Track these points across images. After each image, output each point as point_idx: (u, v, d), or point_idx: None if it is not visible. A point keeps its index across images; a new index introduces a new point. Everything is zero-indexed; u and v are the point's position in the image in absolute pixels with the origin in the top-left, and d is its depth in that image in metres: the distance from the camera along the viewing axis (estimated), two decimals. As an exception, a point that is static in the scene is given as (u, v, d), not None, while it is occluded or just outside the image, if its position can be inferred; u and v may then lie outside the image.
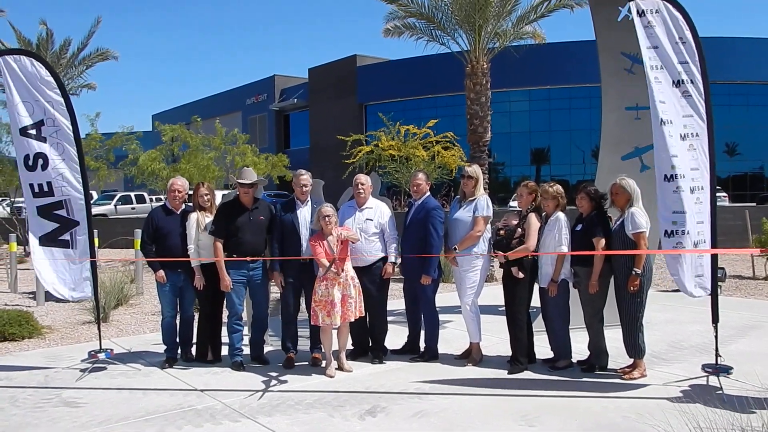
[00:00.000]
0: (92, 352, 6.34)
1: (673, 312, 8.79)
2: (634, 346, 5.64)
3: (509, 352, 6.11)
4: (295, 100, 45.71)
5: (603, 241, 5.65)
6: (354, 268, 6.08)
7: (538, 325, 6.26)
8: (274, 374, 5.97)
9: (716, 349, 5.48)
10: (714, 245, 5.39)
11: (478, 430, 4.57)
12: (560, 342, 6.04)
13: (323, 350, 6.10)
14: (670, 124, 5.20)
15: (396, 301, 7.87)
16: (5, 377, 6.10)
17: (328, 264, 5.79)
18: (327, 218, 5.85)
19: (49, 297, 10.09)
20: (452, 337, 7.08)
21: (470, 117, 13.35)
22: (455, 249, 6.12)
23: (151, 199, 30.18)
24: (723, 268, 9.65)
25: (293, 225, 6.22)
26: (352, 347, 6.50)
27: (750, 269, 12.61)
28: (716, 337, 5.49)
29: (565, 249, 5.78)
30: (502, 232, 6.06)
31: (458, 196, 6.43)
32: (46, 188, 6.26)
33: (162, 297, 6.42)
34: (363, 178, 6.42)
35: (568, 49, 32.63)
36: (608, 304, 5.81)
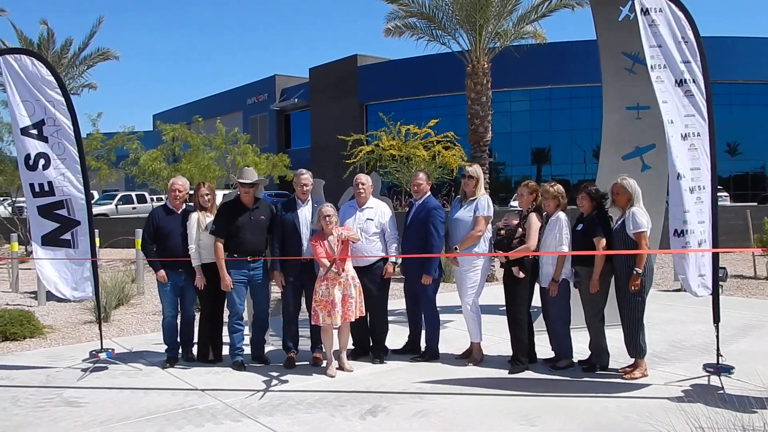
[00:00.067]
0: (93, 352, 6.34)
1: (674, 311, 8.79)
2: (635, 345, 5.64)
3: (510, 352, 6.11)
4: (296, 99, 45.72)
5: (604, 241, 5.65)
6: (354, 267, 6.08)
7: (539, 325, 6.26)
8: (275, 374, 5.98)
9: (717, 349, 5.47)
10: (715, 245, 5.39)
11: (478, 429, 4.57)
12: (561, 342, 6.04)
13: (324, 350, 6.10)
14: (672, 125, 5.21)
15: (396, 301, 7.87)
16: (7, 377, 6.11)
17: (328, 264, 5.79)
18: (327, 218, 5.85)
19: (50, 297, 10.12)
20: (453, 337, 7.08)
21: (471, 117, 13.35)
22: (456, 249, 6.12)
23: (152, 199, 30.19)
24: (724, 268, 9.65)
25: (294, 224, 6.22)
26: (352, 347, 6.50)
27: (751, 269, 12.60)
28: (717, 336, 5.48)
29: (565, 249, 5.77)
30: (502, 231, 6.05)
31: (459, 196, 6.43)
32: (46, 188, 6.26)
33: (163, 297, 6.43)
34: (363, 178, 6.42)
35: (568, 49, 32.62)
36: (609, 304, 5.81)
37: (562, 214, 5.89)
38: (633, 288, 5.47)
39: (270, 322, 6.62)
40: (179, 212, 6.42)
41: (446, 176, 18.40)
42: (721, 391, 5.10)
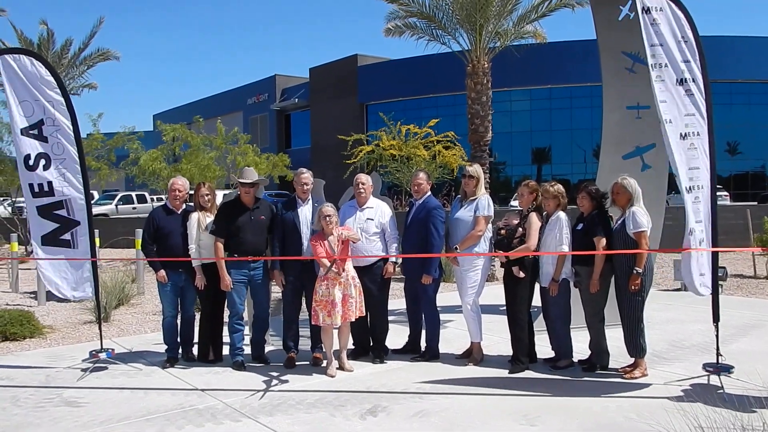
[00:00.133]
0: (93, 352, 6.34)
1: (674, 311, 8.79)
2: (635, 345, 5.64)
3: (510, 352, 6.11)
4: (296, 99, 45.72)
5: (604, 241, 5.65)
6: (355, 267, 6.08)
7: (539, 325, 6.26)
8: (275, 374, 5.98)
9: (717, 348, 5.47)
10: (715, 244, 5.39)
11: (478, 429, 4.57)
12: (561, 341, 6.04)
13: (324, 350, 6.10)
14: (670, 124, 5.21)
15: (397, 301, 7.87)
16: (7, 377, 6.11)
17: (329, 264, 5.79)
18: (328, 218, 5.85)
19: (50, 297, 10.12)
20: (453, 337, 7.08)
21: (471, 116, 13.35)
22: (456, 248, 6.11)
23: (152, 199, 30.19)
24: (724, 267, 9.67)
25: (294, 224, 6.22)
26: (353, 347, 6.50)
27: (751, 268, 12.60)
28: (717, 336, 5.48)
29: (565, 248, 5.77)
30: (503, 231, 6.05)
31: (459, 196, 6.43)
32: (46, 188, 6.26)
33: (163, 297, 6.43)
34: (364, 178, 6.41)
35: (569, 49, 32.63)
36: (609, 304, 5.81)
37: (562, 214, 5.89)
38: (633, 287, 5.47)
39: (270, 322, 6.62)
40: (179, 212, 6.42)
41: (446, 176, 18.37)
42: (721, 391, 5.10)
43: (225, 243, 6.15)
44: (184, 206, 6.47)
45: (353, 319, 5.96)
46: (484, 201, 6.17)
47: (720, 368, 5.37)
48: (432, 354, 6.39)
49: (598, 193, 5.84)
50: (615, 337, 5.90)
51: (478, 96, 13.27)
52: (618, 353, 5.93)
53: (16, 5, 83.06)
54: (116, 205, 30.10)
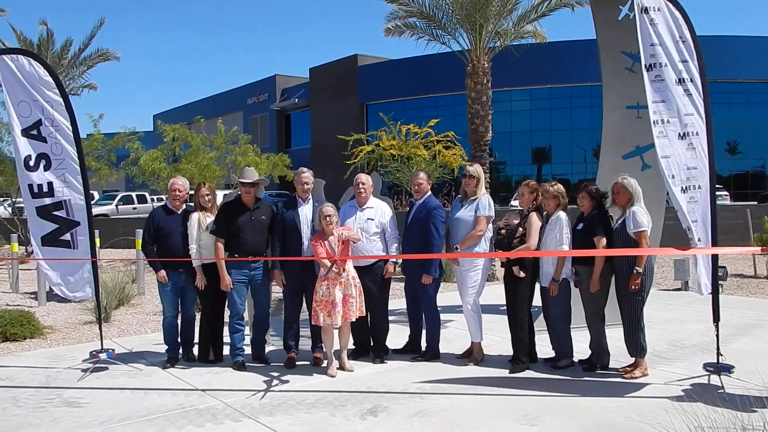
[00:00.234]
0: (94, 352, 6.34)
1: (674, 311, 8.79)
2: (636, 345, 5.64)
3: (510, 352, 6.11)
4: (296, 99, 45.71)
5: (604, 240, 5.65)
6: (355, 267, 6.08)
7: (540, 325, 6.26)
8: (275, 374, 5.98)
9: (717, 348, 5.47)
10: (715, 244, 5.39)
11: (479, 429, 4.57)
12: (561, 341, 6.04)
13: (324, 350, 6.11)
14: (664, 124, 5.22)
15: (397, 301, 7.87)
16: (7, 377, 6.11)
17: (329, 264, 5.79)
18: (328, 218, 5.85)
19: (50, 297, 10.13)
20: (453, 337, 7.08)
21: (471, 116, 13.35)
22: (457, 248, 6.11)
23: (152, 199, 30.19)
24: (724, 267, 9.66)
25: (294, 223, 6.22)
26: (353, 347, 6.50)
27: (751, 268, 12.60)
28: (717, 335, 5.48)
29: (566, 248, 5.77)
30: (503, 231, 6.05)
31: (459, 196, 6.43)
32: (46, 189, 6.26)
33: (163, 297, 6.43)
34: (364, 178, 6.42)
35: (568, 48, 32.61)
36: (609, 303, 5.82)
37: (562, 214, 5.89)
38: (633, 287, 5.47)
39: (270, 322, 6.62)
40: (179, 212, 6.42)
41: (447, 176, 18.38)
42: (721, 391, 5.10)
43: (225, 243, 6.16)
44: (184, 206, 6.47)
45: (354, 319, 5.96)
46: (485, 201, 6.17)
47: (720, 368, 5.37)
48: (432, 354, 6.39)
49: (599, 192, 5.84)
50: (615, 336, 5.90)
51: (478, 96, 13.27)
52: (618, 353, 5.93)
53: (16, 5, 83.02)
54: (116, 206, 30.09)
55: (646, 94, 5.23)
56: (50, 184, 6.25)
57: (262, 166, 19.33)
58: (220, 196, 7.62)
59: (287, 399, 5.25)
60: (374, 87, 40.15)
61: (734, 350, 6.31)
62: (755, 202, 28.09)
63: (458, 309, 6.79)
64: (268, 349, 6.60)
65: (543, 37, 14.58)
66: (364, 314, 6.16)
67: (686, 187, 5.23)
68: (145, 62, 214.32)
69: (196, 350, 6.56)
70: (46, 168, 6.23)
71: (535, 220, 5.91)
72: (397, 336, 6.77)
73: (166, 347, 6.49)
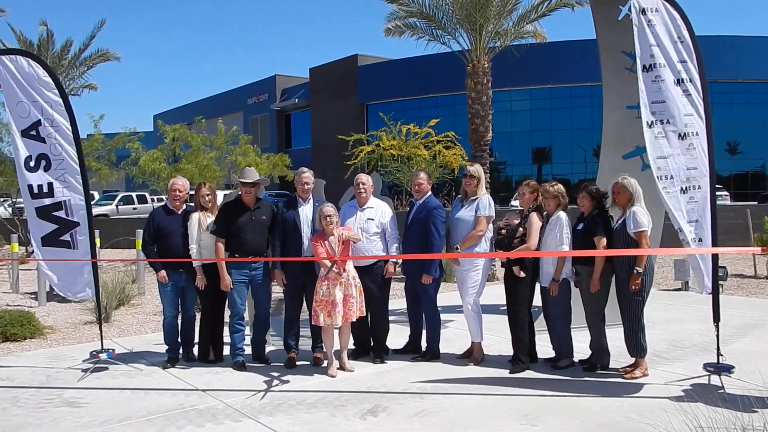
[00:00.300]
0: (94, 352, 6.34)
1: (674, 311, 8.79)
2: (636, 345, 5.64)
3: (511, 352, 6.11)
4: (297, 99, 45.72)
5: (604, 240, 5.65)
6: (355, 267, 6.08)
7: (540, 325, 6.26)
8: (275, 374, 5.98)
9: (718, 348, 5.47)
10: (715, 244, 5.39)
11: (479, 429, 4.57)
12: (562, 341, 6.04)
13: (325, 350, 6.11)
14: (664, 124, 5.22)
15: (397, 301, 7.87)
16: (7, 377, 6.11)
17: (330, 264, 5.79)
18: (328, 218, 5.85)
19: (50, 297, 10.13)
20: (454, 337, 7.08)
21: (471, 116, 13.35)
22: (457, 248, 6.11)
23: (152, 200, 30.18)
24: (724, 267, 9.65)
25: (295, 223, 6.22)
26: (353, 347, 6.50)
27: (751, 268, 12.59)
28: (717, 336, 5.48)
29: (566, 248, 5.77)
30: (503, 231, 6.05)
31: (460, 196, 6.43)
32: (45, 189, 6.26)
33: (163, 297, 6.43)
34: (364, 178, 6.42)
35: (569, 48, 32.62)
36: (610, 303, 5.81)
37: (562, 214, 5.89)
38: (633, 287, 5.47)
39: (271, 322, 6.62)
40: (179, 212, 6.42)
41: (447, 176, 18.38)
42: (722, 391, 5.10)
43: (226, 243, 6.16)
44: (184, 206, 6.47)
45: (354, 319, 5.96)
46: (485, 201, 6.17)
47: (720, 368, 5.37)
48: (432, 354, 6.39)
49: (599, 192, 5.84)
50: (615, 336, 5.90)
51: (478, 96, 13.27)
52: (618, 353, 5.93)
53: (16, 5, 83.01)
54: (117, 206, 30.10)
55: (640, 96, 5.24)
56: (50, 184, 6.25)
57: (262, 166, 19.33)
58: (220, 196, 7.62)
59: (287, 399, 5.25)
60: (374, 87, 40.16)
61: (734, 350, 6.31)
62: (755, 202, 28.10)
63: (458, 309, 6.79)
64: (268, 349, 6.60)
65: (543, 37, 14.58)
66: (365, 314, 6.16)
67: (686, 188, 5.23)
68: (145, 62, 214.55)
69: (196, 350, 6.56)
70: (46, 169, 6.23)
71: (535, 220, 5.91)
72: (398, 336, 6.77)
73: (167, 347, 6.49)
